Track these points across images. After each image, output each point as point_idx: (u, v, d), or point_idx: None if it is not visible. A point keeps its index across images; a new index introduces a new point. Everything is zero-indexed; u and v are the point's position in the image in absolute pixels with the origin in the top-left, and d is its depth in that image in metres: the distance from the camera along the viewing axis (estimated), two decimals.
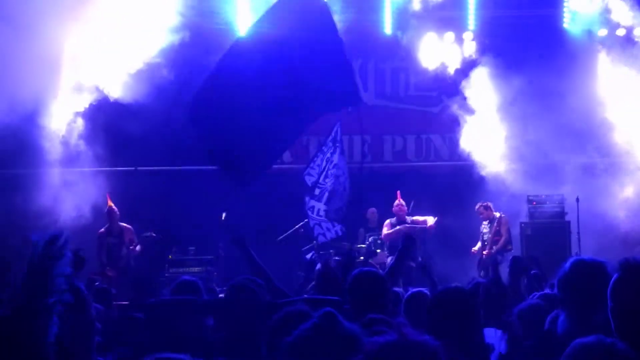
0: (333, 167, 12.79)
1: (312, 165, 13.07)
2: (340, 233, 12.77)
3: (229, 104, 7.72)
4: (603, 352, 2.77)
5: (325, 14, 8.03)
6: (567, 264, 4.13)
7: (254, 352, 4.18)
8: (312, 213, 12.73)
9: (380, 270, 13.31)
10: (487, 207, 14.56)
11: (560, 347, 3.60)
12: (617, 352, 2.76)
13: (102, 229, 13.65)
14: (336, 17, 8.71)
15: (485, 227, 14.49)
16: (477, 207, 14.63)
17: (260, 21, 8.19)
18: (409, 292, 6.13)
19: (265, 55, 7.71)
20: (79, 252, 4.45)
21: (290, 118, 7.95)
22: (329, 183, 12.80)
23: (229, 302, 4.97)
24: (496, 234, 14.27)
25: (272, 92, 7.70)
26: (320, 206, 12.76)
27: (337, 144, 12.96)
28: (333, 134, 13.30)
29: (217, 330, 5.07)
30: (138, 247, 13.72)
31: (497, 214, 14.36)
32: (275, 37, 7.80)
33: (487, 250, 14.28)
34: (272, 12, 8.04)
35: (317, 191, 12.80)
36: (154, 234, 14.25)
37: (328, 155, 12.93)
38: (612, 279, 3.72)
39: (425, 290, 6.36)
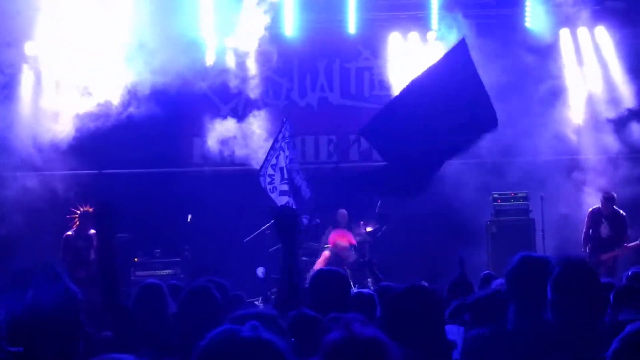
0: (290, 163, 12.98)
1: (265, 164, 13.20)
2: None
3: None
4: None
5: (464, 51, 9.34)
6: (515, 260, 4.23)
7: None
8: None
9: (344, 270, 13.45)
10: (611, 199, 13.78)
11: (512, 341, 3.94)
12: None
13: (70, 232, 13.32)
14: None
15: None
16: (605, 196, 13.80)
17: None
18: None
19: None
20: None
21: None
22: (295, 177, 12.97)
23: (185, 308, 4.91)
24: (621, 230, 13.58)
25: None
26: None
27: (287, 140, 13.18)
28: (283, 130, 13.41)
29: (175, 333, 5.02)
30: None
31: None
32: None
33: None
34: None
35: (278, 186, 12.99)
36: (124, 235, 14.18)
37: (280, 152, 13.14)
38: (553, 274, 4.01)
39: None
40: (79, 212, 13.37)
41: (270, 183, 13.25)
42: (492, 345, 4.12)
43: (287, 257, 5.02)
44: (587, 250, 13.61)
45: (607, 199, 13.70)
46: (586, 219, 13.93)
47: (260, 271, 14.25)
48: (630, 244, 13.39)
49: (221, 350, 2.56)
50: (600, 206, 13.77)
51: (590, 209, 13.96)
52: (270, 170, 13.21)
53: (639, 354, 2.85)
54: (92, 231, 13.39)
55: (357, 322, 2.55)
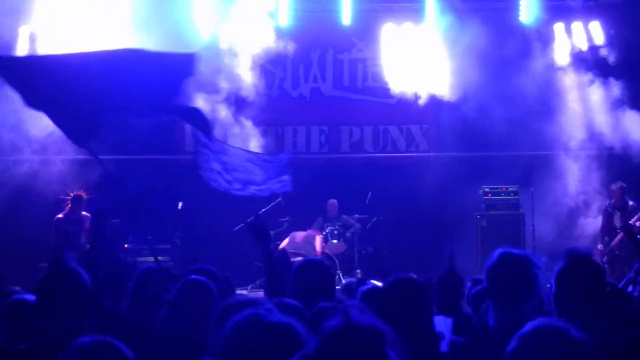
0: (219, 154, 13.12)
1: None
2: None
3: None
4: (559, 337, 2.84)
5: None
6: (494, 256, 4.20)
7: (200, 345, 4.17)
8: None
9: (334, 259, 13.45)
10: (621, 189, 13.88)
11: (493, 338, 3.92)
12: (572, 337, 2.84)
13: (60, 215, 13.48)
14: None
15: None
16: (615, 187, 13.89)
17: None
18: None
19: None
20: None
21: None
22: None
23: (180, 298, 4.90)
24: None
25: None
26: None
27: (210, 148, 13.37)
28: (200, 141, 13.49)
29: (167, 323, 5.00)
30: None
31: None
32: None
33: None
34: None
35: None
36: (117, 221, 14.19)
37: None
38: (557, 267, 4.04)
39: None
40: (70, 195, 13.43)
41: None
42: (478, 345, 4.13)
43: (267, 257, 5.62)
44: (604, 243, 13.70)
45: (617, 190, 13.84)
46: (601, 215, 14.11)
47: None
48: (632, 220, 13.22)
49: (249, 334, 2.80)
50: (612, 200, 13.94)
51: (605, 205, 14.14)
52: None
53: (537, 353, 2.83)
54: (84, 213, 13.49)
55: (355, 309, 2.55)
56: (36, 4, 14.15)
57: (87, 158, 12.22)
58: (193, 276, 5.15)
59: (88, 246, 13.37)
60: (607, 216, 13.89)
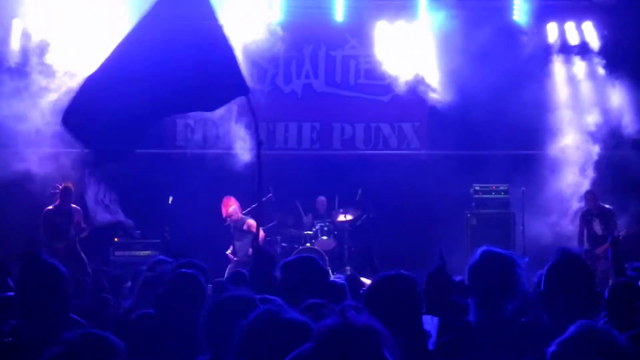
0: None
1: None
2: None
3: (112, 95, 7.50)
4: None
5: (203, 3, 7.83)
6: (477, 254, 4.21)
7: (190, 337, 4.16)
8: None
9: (324, 256, 13.45)
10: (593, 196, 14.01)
11: (474, 335, 3.96)
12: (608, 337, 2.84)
13: (50, 206, 13.48)
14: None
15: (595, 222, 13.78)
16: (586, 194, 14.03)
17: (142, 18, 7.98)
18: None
19: (147, 51, 7.44)
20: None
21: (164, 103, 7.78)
22: None
23: (170, 292, 4.90)
24: (612, 225, 13.52)
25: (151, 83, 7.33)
26: None
27: None
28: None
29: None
30: (85, 234, 13.61)
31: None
32: (155, 32, 7.55)
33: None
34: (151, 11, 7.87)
35: None
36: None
37: None
38: (548, 265, 4.02)
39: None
40: (59, 188, 13.44)
41: None
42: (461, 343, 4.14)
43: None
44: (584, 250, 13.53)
45: (589, 197, 13.93)
46: (578, 221, 14.10)
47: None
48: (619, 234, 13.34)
49: (266, 330, 2.88)
50: (587, 208, 13.95)
51: (581, 211, 14.15)
52: None
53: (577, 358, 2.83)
54: (74, 206, 13.54)
55: (351, 309, 2.54)
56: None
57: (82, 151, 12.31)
58: (182, 270, 5.13)
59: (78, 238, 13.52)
60: (586, 223, 13.86)
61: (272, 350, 2.83)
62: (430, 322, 4.51)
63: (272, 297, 3.94)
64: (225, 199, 14.57)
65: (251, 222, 14.16)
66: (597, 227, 13.68)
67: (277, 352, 2.77)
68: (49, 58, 14.54)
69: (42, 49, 14.61)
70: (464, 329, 4.28)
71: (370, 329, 2.45)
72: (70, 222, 13.35)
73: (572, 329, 2.89)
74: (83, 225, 13.56)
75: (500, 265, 4.13)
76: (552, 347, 2.88)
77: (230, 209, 14.49)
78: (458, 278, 7.42)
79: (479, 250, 4.24)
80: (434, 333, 4.39)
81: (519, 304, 4.19)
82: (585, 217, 13.91)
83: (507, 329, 3.98)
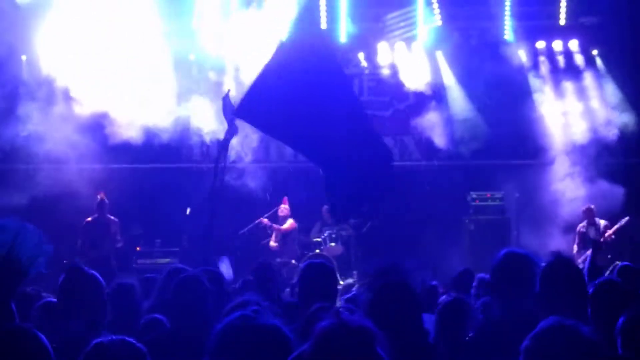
0: None
1: None
2: None
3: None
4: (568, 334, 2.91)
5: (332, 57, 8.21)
6: (500, 255, 4.45)
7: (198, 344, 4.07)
8: None
9: (332, 261, 14.12)
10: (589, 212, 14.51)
11: (500, 330, 4.20)
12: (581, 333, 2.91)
13: (90, 218, 13.84)
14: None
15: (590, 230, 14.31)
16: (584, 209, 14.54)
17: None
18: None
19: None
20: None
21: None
22: None
23: (176, 297, 5.01)
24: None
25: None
26: None
27: None
28: None
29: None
30: (120, 244, 13.95)
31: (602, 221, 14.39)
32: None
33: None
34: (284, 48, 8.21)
35: None
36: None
37: None
38: (542, 268, 4.29)
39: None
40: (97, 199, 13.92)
41: None
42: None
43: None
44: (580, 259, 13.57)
45: (586, 211, 14.50)
46: (576, 237, 14.50)
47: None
48: (609, 232, 14.10)
49: (237, 337, 2.86)
50: (585, 221, 14.46)
51: (578, 228, 14.55)
52: None
53: (551, 352, 2.87)
54: (112, 217, 13.97)
55: (346, 310, 2.82)
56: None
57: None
58: (186, 274, 5.29)
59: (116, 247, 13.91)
60: (582, 235, 14.39)
61: (244, 356, 2.83)
62: (429, 321, 4.74)
63: (253, 299, 3.89)
64: (284, 199, 15.57)
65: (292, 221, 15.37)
66: (592, 233, 14.14)
67: (250, 358, 2.82)
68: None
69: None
70: (486, 325, 4.56)
71: (364, 329, 2.54)
72: (107, 234, 13.67)
73: (542, 324, 2.95)
74: (118, 237, 13.88)
75: (521, 264, 4.35)
76: (525, 342, 2.93)
77: (284, 207, 15.50)
78: (434, 282, 7.97)
79: (503, 251, 4.47)
80: (432, 331, 4.75)
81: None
82: (581, 231, 14.41)
83: (528, 324, 3.78)
